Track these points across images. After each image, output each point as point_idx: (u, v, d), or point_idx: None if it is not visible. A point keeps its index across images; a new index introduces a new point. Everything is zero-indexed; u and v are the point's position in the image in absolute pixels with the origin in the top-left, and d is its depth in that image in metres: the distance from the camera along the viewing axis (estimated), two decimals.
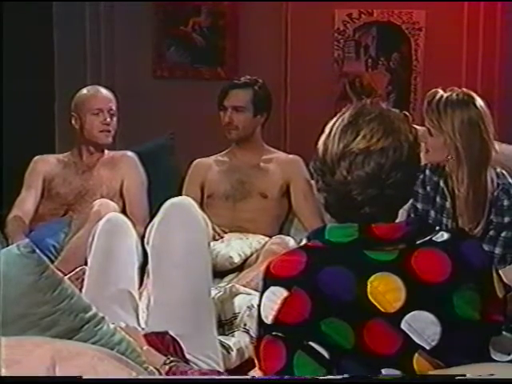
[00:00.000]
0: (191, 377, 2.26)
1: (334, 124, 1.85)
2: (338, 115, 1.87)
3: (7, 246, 3.66)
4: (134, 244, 2.93)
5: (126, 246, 2.88)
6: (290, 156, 4.04)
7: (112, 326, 2.04)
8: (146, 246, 2.82)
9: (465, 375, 1.64)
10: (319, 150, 1.86)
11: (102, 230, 2.90)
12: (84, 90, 4.04)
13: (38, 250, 1.92)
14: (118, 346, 1.96)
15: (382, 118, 1.84)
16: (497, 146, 3.13)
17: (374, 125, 1.82)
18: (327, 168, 1.83)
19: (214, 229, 3.77)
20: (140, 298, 2.94)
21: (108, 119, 3.94)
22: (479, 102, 3.08)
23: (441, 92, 3.09)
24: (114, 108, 3.97)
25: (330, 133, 1.85)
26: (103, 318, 2.02)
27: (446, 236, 1.88)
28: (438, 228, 1.90)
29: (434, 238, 1.87)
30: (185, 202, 2.85)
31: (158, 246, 2.75)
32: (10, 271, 1.88)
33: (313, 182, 3.88)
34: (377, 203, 1.83)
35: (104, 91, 4.00)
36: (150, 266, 2.78)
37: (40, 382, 1.55)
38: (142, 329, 2.73)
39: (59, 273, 1.97)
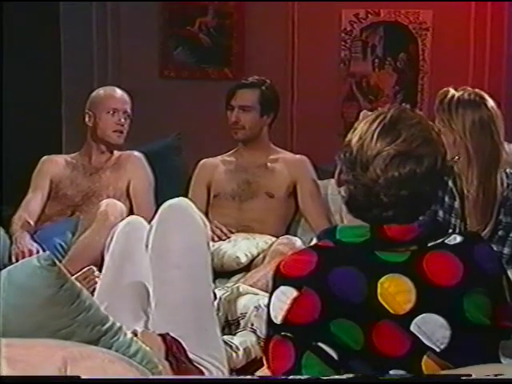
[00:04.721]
0: (191, 377, 2.26)
1: (372, 123, 1.84)
2: (374, 115, 1.86)
3: (11, 245, 3.69)
4: None
5: (143, 249, 2.88)
6: (297, 156, 4.04)
7: (128, 336, 2.02)
8: (144, 248, 2.83)
9: (470, 375, 1.63)
10: (352, 144, 1.84)
11: (120, 231, 2.91)
12: (101, 90, 4.07)
13: (53, 258, 1.90)
14: (133, 357, 1.95)
15: (422, 126, 1.85)
16: (506, 146, 3.12)
17: (414, 131, 1.83)
18: (360, 163, 1.82)
19: (220, 229, 3.78)
20: None
21: (122, 120, 3.96)
22: (490, 103, 3.07)
23: (452, 91, 3.08)
24: (128, 110, 3.99)
25: (367, 130, 1.83)
26: (120, 328, 2.00)
27: (458, 239, 1.88)
28: (450, 231, 1.90)
29: (446, 241, 1.87)
30: (182, 204, 2.85)
31: (157, 249, 2.76)
32: (29, 282, 1.86)
33: (320, 182, 3.94)
34: (401, 207, 1.83)
35: (121, 92, 4.03)
36: (150, 269, 2.78)
37: (41, 381, 1.54)
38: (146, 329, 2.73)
39: (78, 284, 1.95)
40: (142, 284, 2.81)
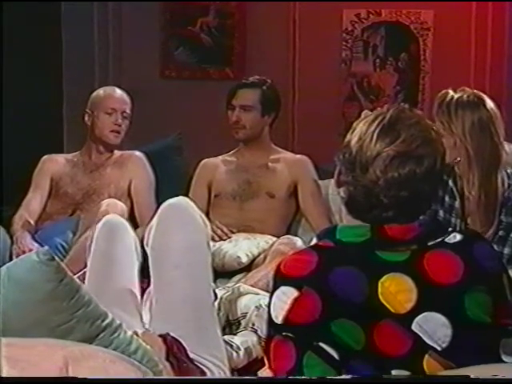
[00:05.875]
0: (193, 377, 2.25)
1: (371, 124, 1.83)
2: (373, 115, 1.85)
3: (12, 244, 3.70)
4: (133, 244, 2.92)
5: (124, 248, 2.87)
6: (298, 156, 4.03)
7: (129, 334, 2.02)
8: (145, 247, 2.82)
9: (469, 376, 1.63)
10: (351, 144, 1.83)
11: (99, 233, 2.89)
12: (102, 90, 4.10)
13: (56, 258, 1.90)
14: (133, 355, 1.95)
15: (421, 126, 1.84)
16: (506, 146, 3.12)
17: (413, 131, 1.82)
18: (360, 164, 1.81)
19: (221, 229, 3.78)
20: (141, 301, 2.92)
21: (120, 120, 3.96)
22: (489, 103, 3.06)
23: (451, 93, 3.07)
24: (127, 111, 4.00)
25: (366, 131, 1.82)
26: (120, 325, 2.00)
27: (458, 237, 1.87)
28: (450, 229, 1.90)
29: (446, 240, 1.86)
30: (182, 203, 2.84)
31: (157, 248, 2.75)
32: (29, 278, 1.86)
33: (320, 182, 3.93)
34: (401, 207, 1.82)
35: (121, 93, 4.04)
36: (150, 268, 2.78)
37: (41, 382, 1.54)
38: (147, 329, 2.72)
39: (77, 280, 1.96)
40: (128, 282, 2.81)
